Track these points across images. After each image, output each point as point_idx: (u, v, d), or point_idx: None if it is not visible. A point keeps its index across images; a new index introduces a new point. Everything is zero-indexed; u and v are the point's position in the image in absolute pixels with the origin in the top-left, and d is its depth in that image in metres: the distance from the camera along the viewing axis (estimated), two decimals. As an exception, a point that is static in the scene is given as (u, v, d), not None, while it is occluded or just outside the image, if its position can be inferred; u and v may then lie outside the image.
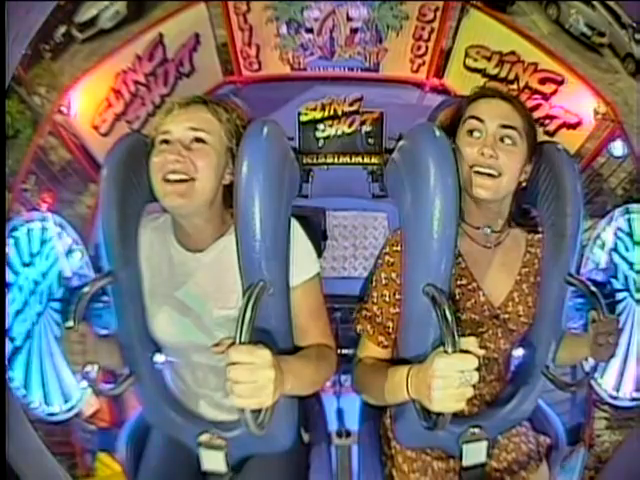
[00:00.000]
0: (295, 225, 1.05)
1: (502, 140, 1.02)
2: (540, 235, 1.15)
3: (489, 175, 1.01)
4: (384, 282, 1.08)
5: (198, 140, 1.01)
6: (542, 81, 3.17)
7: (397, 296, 1.06)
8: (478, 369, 0.82)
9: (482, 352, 0.85)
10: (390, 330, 1.08)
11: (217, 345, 1.03)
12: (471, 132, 1.03)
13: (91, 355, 1.01)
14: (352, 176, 3.40)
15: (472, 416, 1.14)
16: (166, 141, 1.01)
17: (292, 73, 3.51)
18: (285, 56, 3.47)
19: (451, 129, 1.07)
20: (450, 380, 0.82)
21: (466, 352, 0.83)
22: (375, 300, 1.09)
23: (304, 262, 1.05)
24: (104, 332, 1.13)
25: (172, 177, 0.98)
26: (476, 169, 1.01)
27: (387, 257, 1.08)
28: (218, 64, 3.44)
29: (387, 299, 1.07)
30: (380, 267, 1.09)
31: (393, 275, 1.06)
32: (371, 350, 1.11)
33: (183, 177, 0.98)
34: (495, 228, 1.10)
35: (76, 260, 2.09)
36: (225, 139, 1.04)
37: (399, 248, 1.06)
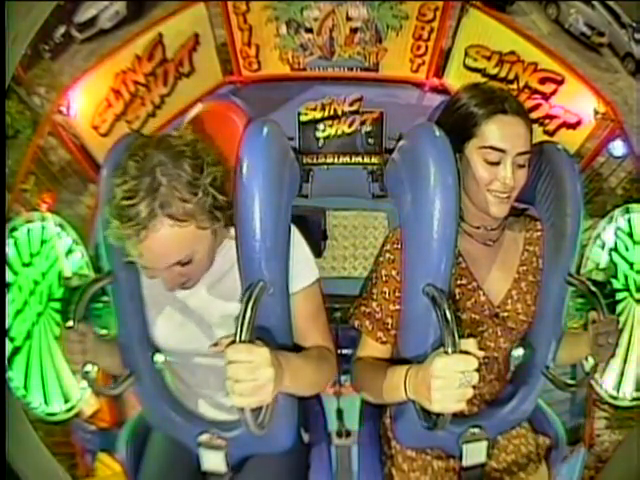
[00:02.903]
0: (294, 231, 1.04)
1: (518, 165, 1.01)
2: (538, 233, 1.15)
3: (507, 197, 1.02)
4: (384, 279, 1.08)
5: (185, 263, 0.92)
6: (542, 81, 3.17)
7: (397, 293, 1.06)
8: (478, 369, 0.82)
9: (482, 354, 0.85)
10: (389, 326, 1.08)
11: (216, 345, 1.02)
12: (491, 162, 1.01)
13: (91, 355, 1.00)
14: (352, 176, 3.41)
15: (472, 416, 1.14)
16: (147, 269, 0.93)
17: (292, 73, 3.51)
18: (285, 56, 3.47)
19: (457, 135, 1.03)
20: (450, 380, 0.82)
21: (466, 353, 0.83)
22: (375, 297, 1.09)
23: (303, 269, 1.04)
24: (104, 332, 1.13)
25: (170, 288, 0.97)
26: (494, 194, 1.02)
27: (387, 254, 1.08)
28: (218, 64, 3.44)
29: (387, 296, 1.07)
30: (380, 264, 1.09)
31: (393, 272, 1.06)
32: (370, 347, 1.11)
33: (181, 282, 0.96)
34: (493, 226, 1.10)
35: (76, 260, 2.09)
36: (207, 222, 0.91)
37: (399, 245, 1.06)
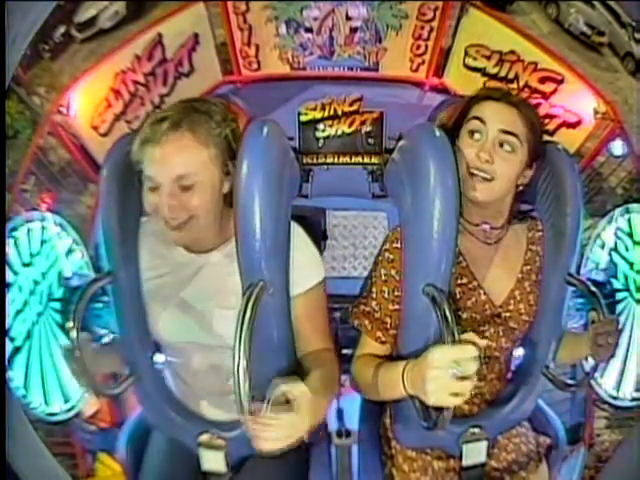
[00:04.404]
0: (299, 232, 1.04)
1: (501, 145, 1.01)
2: (540, 233, 1.15)
3: (483, 179, 1.01)
4: (383, 278, 1.08)
5: (187, 188, 0.96)
6: (542, 80, 3.16)
7: (396, 293, 1.06)
8: (478, 370, 0.82)
9: (484, 342, 0.85)
10: (388, 326, 1.08)
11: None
12: (472, 133, 1.02)
13: (93, 369, 1.00)
14: (352, 176, 3.40)
15: (472, 416, 1.14)
16: (153, 187, 0.97)
17: (292, 73, 3.50)
18: (284, 56, 3.46)
19: (454, 128, 1.05)
20: (444, 371, 0.82)
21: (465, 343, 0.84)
22: (374, 296, 1.09)
23: (307, 271, 1.05)
24: (104, 332, 1.13)
25: (170, 221, 0.97)
26: (471, 171, 1.01)
27: (387, 254, 1.08)
28: (217, 64, 3.43)
29: (386, 295, 1.07)
30: (380, 263, 1.09)
31: (392, 272, 1.06)
32: (370, 346, 1.11)
33: (181, 218, 0.97)
34: (495, 225, 1.10)
35: (76, 260, 2.08)
36: (218, 161, 0.99)
37: (399, 245, 1.06)
